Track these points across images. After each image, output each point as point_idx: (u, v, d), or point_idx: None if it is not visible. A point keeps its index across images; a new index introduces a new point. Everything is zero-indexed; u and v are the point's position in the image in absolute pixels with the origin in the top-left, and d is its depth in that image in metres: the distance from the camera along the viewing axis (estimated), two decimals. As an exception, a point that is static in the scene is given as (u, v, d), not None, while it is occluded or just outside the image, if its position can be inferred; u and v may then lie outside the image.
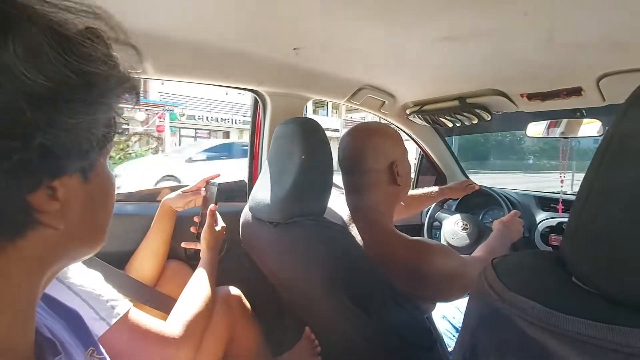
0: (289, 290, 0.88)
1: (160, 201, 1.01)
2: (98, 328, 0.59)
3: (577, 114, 1.21)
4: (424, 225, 1.79)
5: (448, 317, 1.18)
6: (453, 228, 1.51)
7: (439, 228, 1.61)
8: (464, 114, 1.28)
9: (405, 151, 0.90)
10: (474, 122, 1.31)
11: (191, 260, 1.04)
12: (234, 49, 0.93)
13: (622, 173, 0.32)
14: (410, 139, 1.79)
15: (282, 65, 1.03)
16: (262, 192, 0.86)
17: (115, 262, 0.89)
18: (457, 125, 1.37)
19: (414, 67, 1.07)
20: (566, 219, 1.35)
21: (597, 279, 0.33)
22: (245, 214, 0.95)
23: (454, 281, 0.78)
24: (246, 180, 1.33)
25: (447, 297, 0.85)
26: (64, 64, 0.23)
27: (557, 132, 1.35)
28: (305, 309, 0.90)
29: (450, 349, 1.07)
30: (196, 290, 0.78)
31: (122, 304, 0.64)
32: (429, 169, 2.09)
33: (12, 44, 0.21)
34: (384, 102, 1.37)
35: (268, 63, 1.01)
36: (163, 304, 0.90)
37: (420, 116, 1.40)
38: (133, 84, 0.30)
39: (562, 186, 1.36)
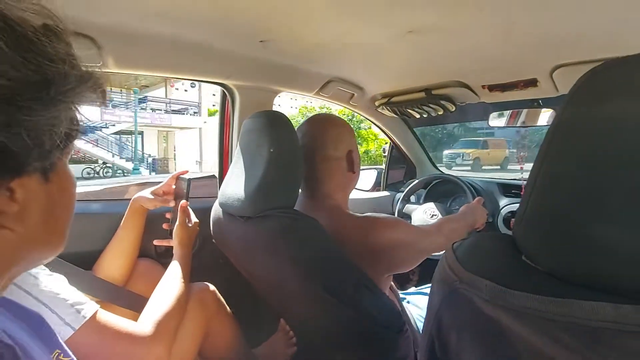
0: (263, 282, 0.89)
1: (129, 199, 0.98)
2: (63, 334, 0.57)
3: (534, 104, 1.28)
4: (394, 214, 1.84)
5: (417, 303, 1.23)
6: (422, 217, 1.57)
7: (409, 218, 1.66)
8: (430, 105, 1.32)
9: (356, 143, 0.95)
10: (439, 113, 1.35)
11: (162, 258, 1.03)
12: (199, 42, 0.91)
13: (564, 160, 0.34)
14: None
15: (250, 58, 1.02)
16: (231, 187, 0.85)
17: (81, 262, 0.86)
18: (424, 116, 1.41)
19: (381, 59, 1.09)
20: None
21: (543, 257, 0.35)
22: (216, 210, 0.94)
23: (405, 249, 0.83)
24: (217, 175, 1.31)
25: (401, 266, 0.88)
26: (21, 62, 0.23)
27: (518, 121, 1.42)
28: (280, 301, 0.91)
29: (421, 331, 1.12)
30: (168, 288, 0.77)
31: (89, 307, 0.62)
32: (398, 160, 2.14)
33: None
34: (353, 94, 1.38)
35: (235, 56, 1.00)
36: (134, 303, 0.88)
37: (388, 108, 1.44)
38: (96, 81, 0.29)
39: (522, 173, 1.44)
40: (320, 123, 0.93)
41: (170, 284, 0.78)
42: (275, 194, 0.77)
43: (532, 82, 1.08)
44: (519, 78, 1.10)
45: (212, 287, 0.94)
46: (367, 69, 1.21)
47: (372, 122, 1.73)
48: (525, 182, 1.17)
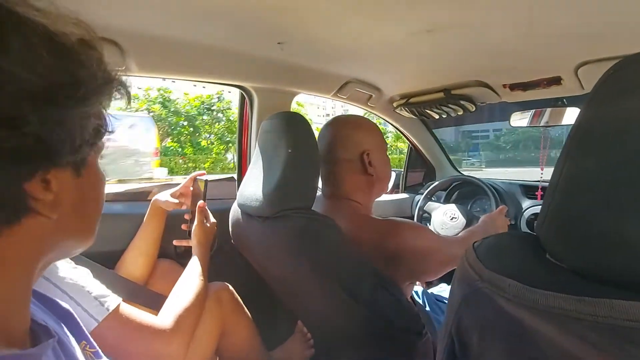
0: (280, 284, 0.89)
1: (150, 200, 1.00)
2: (88, 325, 0.59)
3: (558, 103, 1.24)
4: (413, 217, 1.82)
5: (439, 304, 1.21)
6: (442, 218, 1.54)
7: (429, 219, 1.63)
8: (450, 105, 1.30)
9: (381, 142, 0.92)
10: (459, 113, 1.33)
11: (182, 258, 1.04)
12: (218, 45, 0.92)
13: (586, 160, 0.34)
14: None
15: (267, 60, 1.03)
16: (250, 188, 0.86)
17: (105, 261, 0.88)
18: (444, 117, 1.39)
19: (399, 59, 1.08)
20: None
21: (568, 256, 0.35)
22: (234, 210, 0.95)
23: (428, 257, 0.81)
24: (235, 177, 1.33)
25: (422, 275, 0.87)
26: (58, 67, 0.26)
27: (541, 121, 1.38)
28: (297, 302, 0.91)
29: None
30: (188, 285, 0.79)
31: (112, 299, 0.64)
32: (417, 162, 2.11)
33: (12, 50, 0.24)
34: (371, 95, 1.37)
35: (253, 58, 1.01)
36: (154, 302, 0.89)
37: (407, 109, 1.42)
38: (120, 83, 0.32)
39: (542, 174, 1.40)
40: (335, 124, 0.92)
41: (189, 282, 0.80)
42: (292, 194, 0.77)
43: (556, 80, 1.05)
44: (541, 76, 1.06)
45: (229, 287, 0.95)
46: (384, 70, 1.20)
47: (391, 124, 1.72)
48: (543, 184, 1.14)
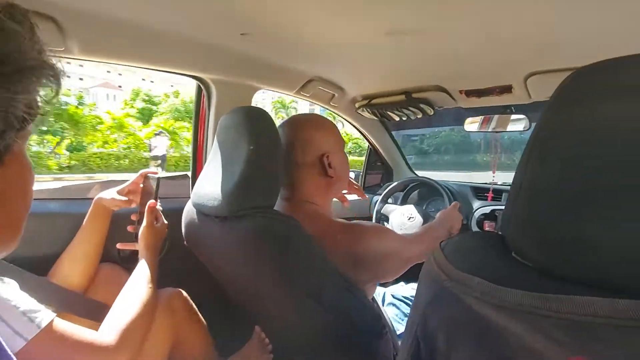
0: (239, 287, 0.85)
1: (92, 199, 0.90)
2: (14, 345, 0.51)
3: (507, 111, 1.33)
4: (372, 218, 1.85)
5: (396, 303, 1.23)
6: (400, 219, 1.58)
7: (387, 220, 1.67)
8: (410, 108, 1.33)
9: (340, 142, 0.90)
10: (418, 116, 1.36)
11: (127, 262, 0.95)
12: (175, 31, 0.85)
13: (548, 164, 0.35)
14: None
15: (229, 52, 0.97)
16: (207, 186, 0.80)
17: (36, 267, 0.78)
18: (404, 119, 1.42)
19: (363, 60, 1.09)
20: (497, 207, 1.48)
21: (533, 255, 0.35)
22: (188, 210, 0.89)
23: (392, 258, 0.81)
24: (189, 175, 1.24)
25: (385, 276, 0.87)
26: None
27: (489, 127, 1.46)
28: (256, 306, 0.87)
29: (399, 332, 1.12)
30: (133, 294, 0.71)
31: (44, 315, 0.55)
32: (376, 163, 2.15)
33: None
34: (334, 94, 1.37)
35: (213, 48, 0.95)
36: (95, 312, 0.80)
37: (368, 110, 1.43)
38: (53, 65, 0.29)
39: (494, 177, 1.48)
40: (293, 126, 0.88)
41: (135, 290, 0.72)
42: (253, 192, 0.73)
43: (507, 89, 1.12)
44: (495, 84, 1.13)
45: (182, 293, 0.88)
46: (348, 70, 1.20)
47: (352, 124, 1.73)
48: (494, 186, 1.21)
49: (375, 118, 1.53)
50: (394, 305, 1.23)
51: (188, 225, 0.89)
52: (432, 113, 1.34)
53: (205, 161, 1.20)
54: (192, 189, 0.96)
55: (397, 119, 1.44)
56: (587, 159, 0.32)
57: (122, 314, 0.65)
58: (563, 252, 0.32)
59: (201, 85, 1.12)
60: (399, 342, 1.07)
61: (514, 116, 1.29)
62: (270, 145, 0.75)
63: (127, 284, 0.73)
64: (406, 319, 1.18)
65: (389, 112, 1.40)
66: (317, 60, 1.11)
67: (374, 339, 0.80)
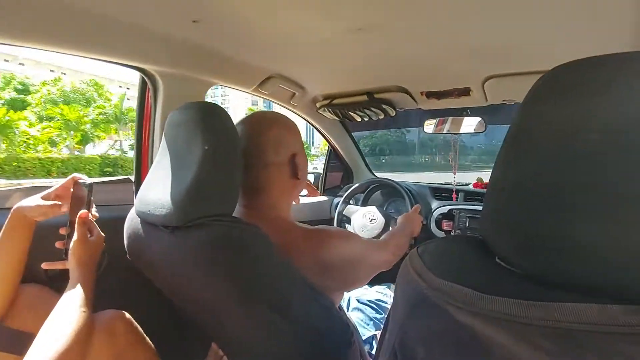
0: (192, 306, 0.75)
1: (11, 208, 0.75)
2: None
3: (463, 113, 1.37)
4: (332, 219, 1.82)
5: (361, 308, 1.20)
6: (362, 221, 1.56)
7: (349, 221, 1.64)
8: (372, 108, 1.31)
9: (302, 144, 0.86)
10: (380, 117, 1.35)
11: (56, 282, 0.81)
12: (114, 13, 0.74)
13: (527, 163, 0.34)
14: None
15: (179, 41, 0.87)
16: (153, 192, 0.70)
17: None
18: (365, 119, 1.40)
19: (325, 59, 1.04)
20: (455, 207, 1.52)
21: (519, 260, 0.34)
22: (132, 219, 0.77)
23: (359, 265, 0.78)
24: (133, 179, 1.11)
25: (354, 283, 0.84)
26: None
27: (444, 128, 1.51)
28: (213, 325, 0.78)
29: (364, 338, 1.09)
30: (63, 319, 0.59)
31: None
32: (336, 164, 2.13)
33: None
34: (294, 93, 1.31)
35: (161, 35, 0.84)
36: (16, 344, 0.67)
37: (330, 110, 1.40)
38: None
39: (454, 177, 1.52)
40: (259, 123, 0.81)
41: (65, 314, 0.60)
42: (210, 199, 0.64)
43: (466, 92, 1.14)
44: (454, 87, 1.15)
45: (125, 315, 0.76)
46: (310, 68, 1.15)
47: (312, 125, 1.68)
48: (456, 187, 1.24)
49: (337, 118, 1.50)
50: (359, 309, 1.20)
51: (131, 237, 0.78)
52: (393, 114, 1.34)
53: (150, 163, 1.08)
54: (135, 195, 0.84)
55: (359, 119, 1.42)
56: (571, 158, 0.31)
57: (50, 344, 0.54)
58: (548, 256, 0.31)
59: (145, 78, 1.00)
60: (365, 348, 1.05)
61: (470, 118, 1.33)
62: (229, 145, 0.68)
63: (55, 309, 0.61)
64: (372, 322, 1.16)
65: (350, 113, 1.38)
66: (277, 56, 1.05)
67: (343, 349, 0.76)
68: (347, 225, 1.65)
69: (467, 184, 1.83)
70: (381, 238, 1.00)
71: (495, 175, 0.38)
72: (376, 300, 1.24)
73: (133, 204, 0.77)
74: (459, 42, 0.87)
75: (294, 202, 0.88)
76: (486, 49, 0.89)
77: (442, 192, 1.68)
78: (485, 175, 1.78)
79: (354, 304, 1.23)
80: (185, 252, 0.66)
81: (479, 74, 1.04)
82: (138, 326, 0.79)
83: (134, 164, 1.08)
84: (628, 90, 0.30)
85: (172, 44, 0.88)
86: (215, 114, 0.68)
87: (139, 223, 0.74)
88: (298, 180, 0.81)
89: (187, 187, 0.63)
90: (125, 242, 0.79)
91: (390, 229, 1.45)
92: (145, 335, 0.79)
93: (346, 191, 1.76)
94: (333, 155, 2.06)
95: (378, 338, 1.11)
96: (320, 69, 1.15)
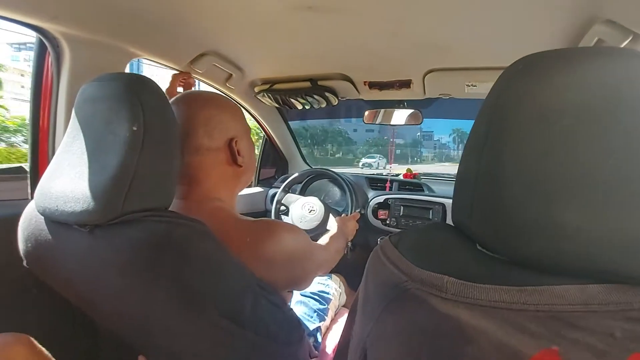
0: (118, 320, 0.63)
1: None
2: None
3: (400, 105, 1.41)
4: (269, 211, 1.75)
5: (304, 301, 1.17)
6: (301, 212, 1.53)
7: (286, 213, 1.59)
8: (314, 96, 1.27)
9: (246, 126, 0.79)
10: (322, 105, 1.32)
11: None
12: None
13: (507, 150, 0.34)
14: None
15: None
16: (61, 183, 0.56)
17: None
18: (307, 107, 1.36)
19: (268, 38, 0.97)
20: (390, 196, 1.58)
21: (502, 246, 0.34)
22: (30, 218, 0.61)
23: (305, 263, 0.75)
24: (27, 167, 0.89)
25: (300, 282, 0.80)
26: None
27: (376, 120, 1.55)
28: (143, 336, 0.66)
29: (308, 331, 1.07)
30: None
31: None
32: (270, 154, 2.05)
33: None
34: (231, 74, 1.20)
35: None
36: None
37: (269, 95, 1.31)
38: None
39: (390, 168, 1.58)
40: (190, 103, 0.71)
41: None
42: (141, 190, 0.53)
43: (407, 84, 1.17)
44: (396, 78, 1.17)
45: (27, 339, 0.60)
46: (251, 47, 1.05)
47: (248, 111, 1.57)
48: (391, 177, 1.29)
49: (276, 105, 1.43)
50: (302, 303, 1.17)
51: (30, 240, 0.62)
52: (336, 103, 1.32)
53: (52, 148, 0.88)
54: (32, 187, 0.67)
55: (300, 107, 1.37)
56: (551, 143, 0.32)
57: None
58: (533, 240, 0.31)
59: (45, 41, 0.80)
60: (310, 341, 1.03)
61: (406, 110, 1.38)
62: (164, 125, 0.57)
63: None
64: (315, 314, 1.14)
65: (292, 100, 1.32)
66: (213, 31, 0.94)
67: (294, 347, 0.72)
68: (284, 217, 1.60)
69: (397, 175, 1.93)
70: (320, 240, 0.99)
71: (466, 166, 0.38)
72: (319, 292, 1.22)
73: (29, 199, 0.61)
74: (406, 34, 0.88)
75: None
76: (429, 42, 0.92)
77: (377, 182, 1.74)
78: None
79: (296, 297, 1.19)
80: (109, 256, 0.54)
81: (420, 67, 1.08)
82: (43, 349, 0.63)
83: (29, 149, 0.87)
84: (593, 82, 0.31)
85: (82, 1, 0.72)
86: (145, 88, 0.57)
87: (42, 222, 0.59)
88: (240, 167, 0.74)
89: (111, 175, 0.52)
90: (21, 246, 0.63)
91: (330, 219, 1.45)
92: (52, 358, 0.64)
93: (283, 181, 1.71)
94: (269, 145, 1.97)
95: (322, 330, 1.11)
96: (262, 49, 1.07)
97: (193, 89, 1.13)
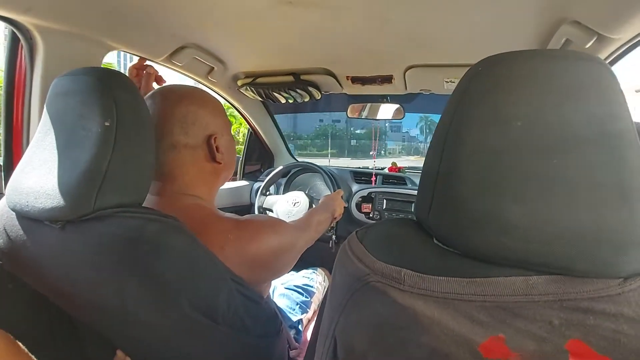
0: (93, 312, 0.63)
1: None
2: None
3: (383, 100, 1.42)
4: (253, 205, 1.75)
5: (287, 294, 1.19)
6: (286, 207, 1.53)
7: (271, 210, 1.59)
8: (297, 90, 1.27)
9: (226, 122, 0.77)
10: (305, 99, 1.32)
11: None
12: None
13: (463, 147, 0.35)
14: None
15: None
16: (33, 179, 0.56)
17: None
18: (290, 101, 1.36)
19: (250, 31, 0.96)
20: (373, 190, 1.60)
21: (456, 239, 0.35)
22: (1, 214, 0.61)
23: (288, 253, 0.75)
24: (0, 163, 0.88)
25: (282, 270, 0.80)
26: None
27: (362, 114, 1.56)
28: (118, 330, 0.67)
29: (290, 323, 1.08)
30: None
31: None
32: (256, 148, 2.04)
33: None
34: (213, 68, 1.18)
35: None
36: None
37: (253, 89, 1.31)
38: None
39: (375, 162, 1.59)
40: (167, 98, 0.69)
41: None
42: (114, 186, 0.54)
43: (389, 79, 1.18)
44: (379, 73, 1.18)
45: (4, 335, 0.60)
46: (232, 41, 1.04)
47: (232, 105, 1.56)
48: (376, 171, 1.30)
49: (259, 99, 1.42)
50: (285, 296, 1.18)
51: (1, 236, 0.61)
52: (319, 97, 1.32)
53: (26, 143, 0.86)
54: (5, 182, 0.66)
55: (284, 101, 1.36)
56: (503, 142, 0.33)
57: None
58: (483, 234, 0.33)
59: (17, 33, 0.78)
60: (291, 333, 1.04)
61: (391, 105, 1.39)
62: (136, 121, 0.57)
63: None
64: (297, 307, 1.16)
65: (275, 93, 1.31)
66: (194, 23, 0.92)
67: (270, 338, 0.74)
68: (270, 214, 1.60)
69: (382, 168, 1.94)
70: (301, 216, 0.98)
71: (429, 161, 0.39)
72: (303, 285, 1.24)
73: (2, 193, 0.61)
74: (388, 29, 0.88)
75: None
76: (411, 38, 0.93)
77: (361, 176, 1.75)
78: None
79: (280, 290, 1.21)
80: (81, 251, 0.54)
81: (402, 63, 1.08)
82: (20, 344, 0.63)
83: (3, 144, 0.85)
84: (545, 84, 0.33)
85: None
86: (118, 83, 0.56)
87: (14, 218, 0.59)
88: (219, 164, 0.73)
89: (82, 171, 0.52)
90: None
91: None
92: (30, 353, 0.64)
93: (267, 175, 1.70)
94: (254, 139, 1.96)
95: (304, 322, 1.13)
96: (244, 43, 1.06)
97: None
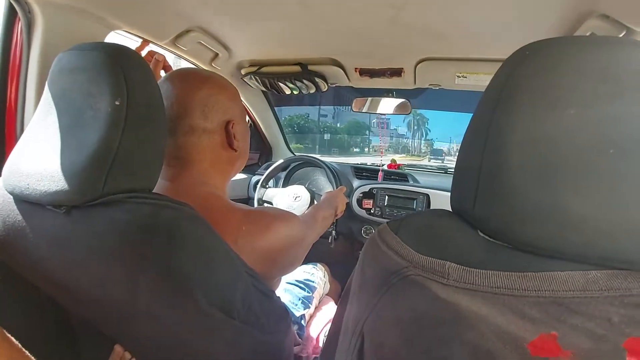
0: (99, 311, 0.59)
1: None
2: None
3: (389, 95, 1.40)
4: (252, 198, 1.71)
5: (289, 289, 1.17)
6: (286, 201, 1.50)
7: (271, 204, 1.56)
8: (304, 81, 1.24)
9: (243, 111, 0.75)
10: (311, 91, 1.29)
11: None
12: None
13: (510, 139, 0.33)
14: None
15: None
16: (33, 161, 0.52)
17: None
18: (295, 92, 1.32)
19: (258, 17, 0.92)
20: (375, 185, 1.58)
21: (506, 232, 0.33)
22: None
23: (298, 247, 0.74)
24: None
25: (292, 266, 0.78)
26: None
27: (363, 108, 1.54)
28: (123, 324, 0.63)
29: (293, 318, 1.06)
30: None
31: None
32: (254, 140, 2.00)
33: None
34: (217, 54, 1.14)
35: None
36: None
37: (257, 78, 1.27)
38: None
39: (382, 159, 1.57)
40: (185, 81, 0.66)
41: None
42: (124, 170, 0.50)
43: (398, 72, 1.16)
44: (389, 66, 1.15)
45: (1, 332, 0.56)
46: (239, 26, 1.00)
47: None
48: (383, 168, 1.29)
49: (263, 89, 1.38)
50: (287, 291, 1.16)
51: (-3, 222, 0.57)
52: (325, 89, 1.29)
53: (21, 123, 0.81)
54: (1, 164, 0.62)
55: (289, 91, 1.33)
56: (556, 131, 0.31)
57: None
58: (540, 227, 0.31)
59: (15, 5, 0.73)
60: (294, 329, 1.02)
61: (398, 100, 1.37)
62: (150, 101, 0.53)
63: None
64: (299, 302, 1.13)
65: (280, 84, 1.28)
66: (200, 6, 0.88)
67: (282, 336, 0.71)
68: (269, 205, 1.57)
69: (382, 165, 1.92)
70: (307, 212, 0.97)
71: (466, 154, 0.38)
72: (304, 280, 1.22)
73: None
74: (403, 20, 0.86)
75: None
76: (426, 29, 0.90)
77: (363, 172, 1.73)
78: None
79: (282, 285, 1.18)
80: (88, 239, 0.50)
81: (414, 55, 1.06)
82: (11, 337, 0.59)
83: (-6, 122, 0.80)
84: (600, 72, 0.31)
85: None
86: (129, 60, 0.53)
87: (11, 202, 0.55)
88: (235, 152, 0.70)
89: (91, 153, 0.48)
90: None
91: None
92: (23, 348, 0.60)
93: (266, 169, 1.67)
94: (253, 130, 1.92)
95: (306, 317, 1.11)
96: (252, 29, 1.02)
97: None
